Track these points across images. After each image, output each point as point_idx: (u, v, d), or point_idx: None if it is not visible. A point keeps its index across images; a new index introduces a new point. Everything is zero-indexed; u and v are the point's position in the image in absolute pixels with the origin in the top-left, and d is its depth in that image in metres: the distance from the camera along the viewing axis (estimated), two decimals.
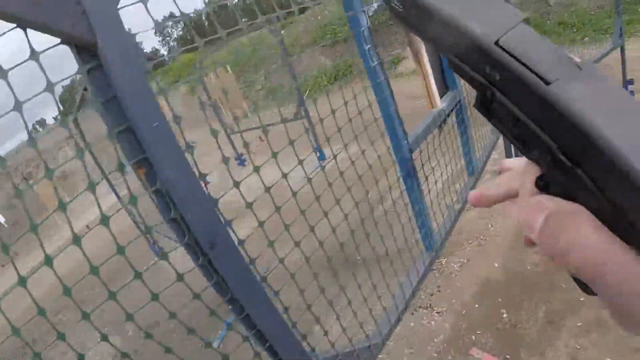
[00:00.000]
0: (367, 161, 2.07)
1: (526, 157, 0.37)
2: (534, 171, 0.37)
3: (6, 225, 15.25)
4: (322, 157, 7.05)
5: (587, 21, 11.75)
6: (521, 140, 0.35)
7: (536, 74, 0.31)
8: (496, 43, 0.33)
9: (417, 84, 3.03)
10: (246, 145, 1.67)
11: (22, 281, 1.09)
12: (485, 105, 0.37)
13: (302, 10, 19.41)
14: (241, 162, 9.08)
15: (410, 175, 2.61)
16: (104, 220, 1.17)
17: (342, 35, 17.12)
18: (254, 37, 18.82)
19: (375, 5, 1.70)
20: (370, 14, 2.44)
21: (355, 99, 2.04)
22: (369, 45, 2.23)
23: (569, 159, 0.30)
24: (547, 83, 0.30)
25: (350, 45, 16.10)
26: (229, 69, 9.68)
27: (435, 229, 2.88)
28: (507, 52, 0.32)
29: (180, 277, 1.37)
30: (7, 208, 16.46)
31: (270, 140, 1.71)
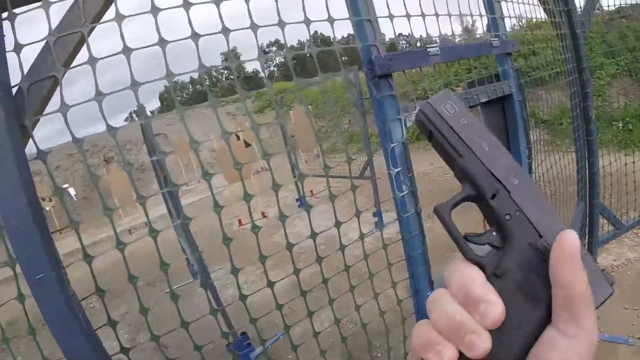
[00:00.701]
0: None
1: (473, 253, 0.48)
2: (477, 271, 0.46)
3: (75, 199, 16.11)
4: (380, 223, 6.63)
5: None
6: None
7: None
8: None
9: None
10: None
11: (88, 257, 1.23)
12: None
13: None
14: (301, 204, 9.23)
15: None
16: (152, 231, 1.32)
17: (434, 91, 16.37)
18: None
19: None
20: (409, 125, 1.62)
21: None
22: (400, 168, 1.61)
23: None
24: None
25: None
26: (310, 108, 9.95)
27: None
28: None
29: (214, 310, 1.53)
30: (80, 182, 17.64)
31: (338, 187, 1.74)
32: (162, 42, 1.11)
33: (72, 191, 16.20)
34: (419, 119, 0.55)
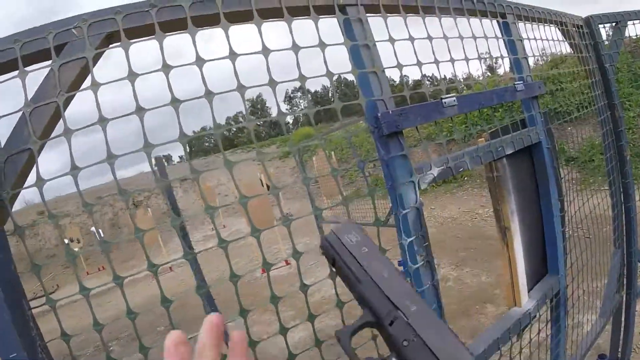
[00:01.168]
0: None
1: None
2: None
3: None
4: (406, 275, 6.31)
5: None
6: None
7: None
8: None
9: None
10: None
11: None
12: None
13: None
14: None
15: None
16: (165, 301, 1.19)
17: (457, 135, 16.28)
18: None
19: (435, 172, 1.47)
20: (424, 187, 1.41)
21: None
22: (412, 238, 1.39)
23: None
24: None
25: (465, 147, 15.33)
26: (333, 155, 9.95)
27: None
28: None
29: None
30: (108, 225, 18.31)
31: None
32: (140, 111, 1.01)
33: (100, 233, 16.67)
34: (324, 246, 0.61)
